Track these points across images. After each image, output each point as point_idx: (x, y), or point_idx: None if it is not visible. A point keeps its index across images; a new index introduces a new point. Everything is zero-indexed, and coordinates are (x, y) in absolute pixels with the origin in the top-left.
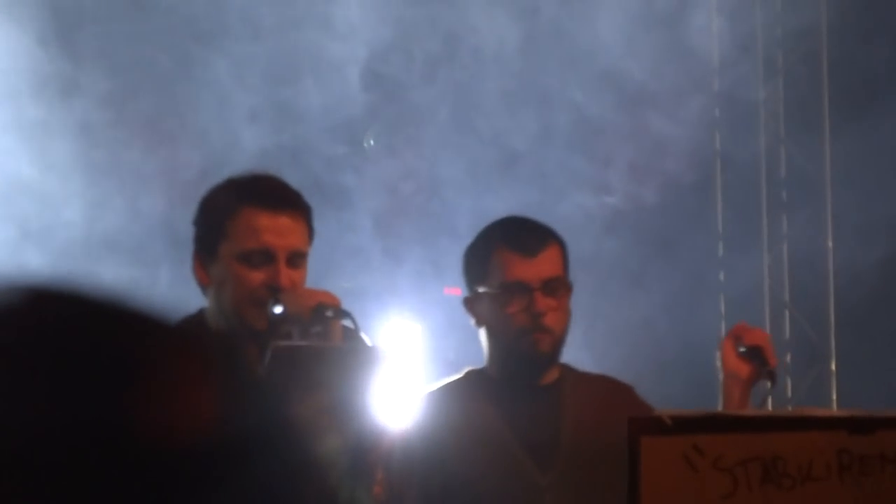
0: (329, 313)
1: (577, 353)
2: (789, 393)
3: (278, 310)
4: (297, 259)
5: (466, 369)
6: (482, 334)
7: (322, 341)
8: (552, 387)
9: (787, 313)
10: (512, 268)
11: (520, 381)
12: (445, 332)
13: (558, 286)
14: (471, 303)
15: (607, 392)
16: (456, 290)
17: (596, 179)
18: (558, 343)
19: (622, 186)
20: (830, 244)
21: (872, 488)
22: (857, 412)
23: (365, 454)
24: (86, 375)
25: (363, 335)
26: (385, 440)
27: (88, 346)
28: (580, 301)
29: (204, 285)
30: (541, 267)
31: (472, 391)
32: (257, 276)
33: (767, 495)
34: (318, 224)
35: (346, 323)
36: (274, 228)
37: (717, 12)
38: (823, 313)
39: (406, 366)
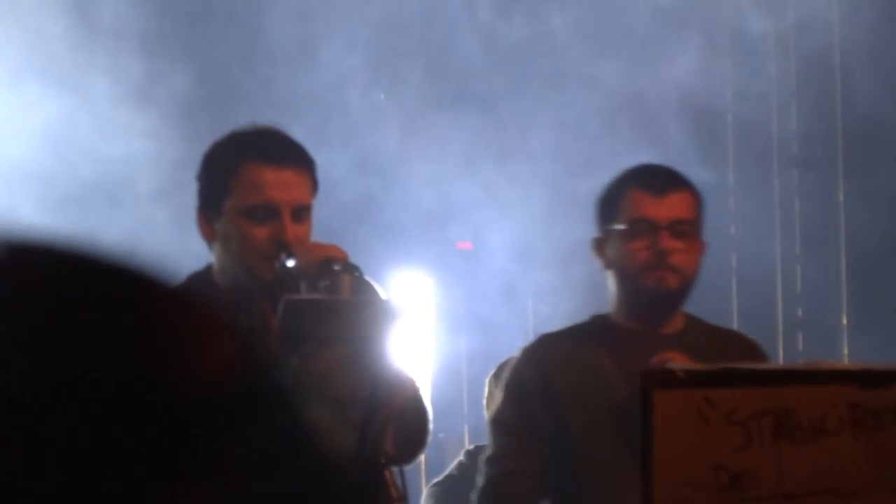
0: (337, 267)
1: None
2: (800, 347)
3: (290, 263)
4: (301, 213)
5: (592, 314)
6: (609, 278)
7: (332, 295)
8: (676, 337)
9: (798, 267)
10: (640, 206)
11: (644, 326)
12: (457, 286)
13: (687, 229)
14: (599, 243)
15: (731, 347)
16: (467, 244)
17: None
18: (686, 283)
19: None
20: (842, 197)
21: (885, 442)
22: (870, 366)
23: (378, 408)
24: (93, 331)
25: (376, 288)
26: (398, 395)
27: (94, 303)
28: None
29: (209, 241)
30: (669, 207)
31: (595, 337)
32: (262, 232)
33: (780, 448)
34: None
35: (357, 276)
36: (277, 183)
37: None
38: (835, 267)
39: (418, 319)
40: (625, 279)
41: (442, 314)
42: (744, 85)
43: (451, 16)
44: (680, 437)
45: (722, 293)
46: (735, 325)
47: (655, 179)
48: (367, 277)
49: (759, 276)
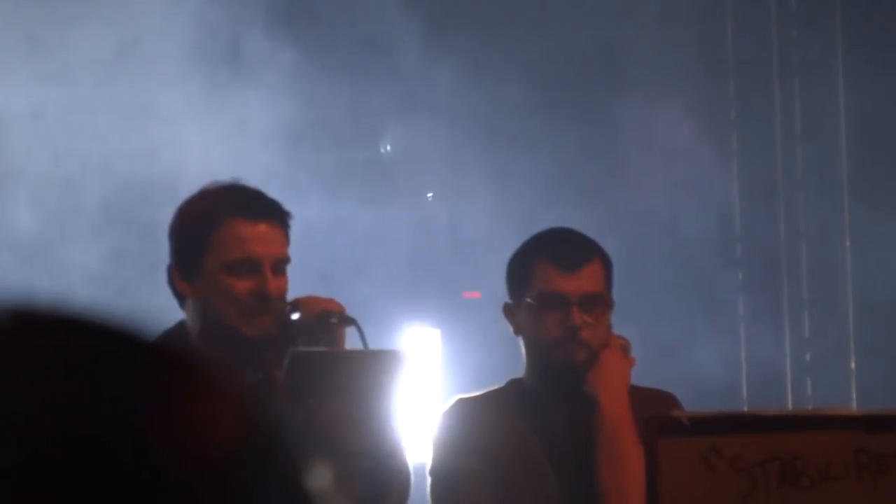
0: (334, 320)
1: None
2: (809, 392)
3: (295, 316)
4: (280, 266)
5: (509, 379)
6: (521, 343)
7: (331, 347)
8: (591, 397)
9: (805, 312)
10: (551, 280)
11: (557, 392)
12: (464, 336)
13: (597, 302)
14: (510, 310)
15: (649, 404)
16: (475, 294)
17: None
18: (594, 354)
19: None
20: (848, 243)
21: (890, 487)
22: (874, 411)
23: (385, 460)
24: (89, 396)
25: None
26: (405, 446)
27: (91, 367)
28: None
29: (184, 298)
30: (580, 282)
31: (512, 402)
32: (245, 286)
33: (786, 495)
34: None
35: (355, 329)
36: (258, 237)
37: None
38: (843, 312)
39: (425, 370)
40: (536, 350)
41: (448, 365)
42: None
43: None
44: (685, 484)
45: (735, 338)
46: (744, 369)
47: (566, 252)
48: (363, 330)
49: (768, 324)
